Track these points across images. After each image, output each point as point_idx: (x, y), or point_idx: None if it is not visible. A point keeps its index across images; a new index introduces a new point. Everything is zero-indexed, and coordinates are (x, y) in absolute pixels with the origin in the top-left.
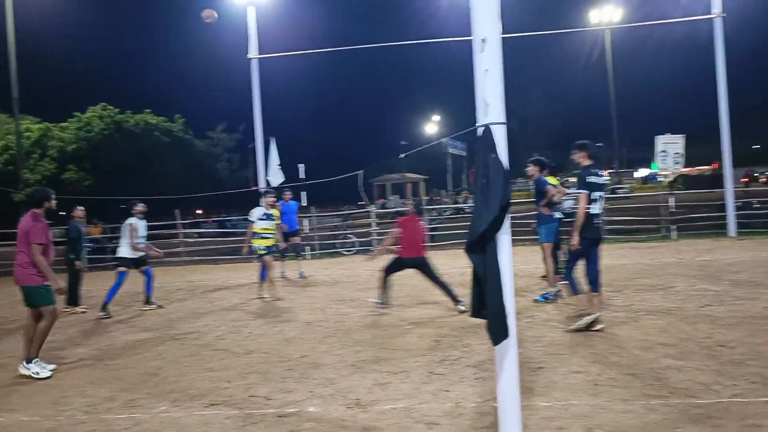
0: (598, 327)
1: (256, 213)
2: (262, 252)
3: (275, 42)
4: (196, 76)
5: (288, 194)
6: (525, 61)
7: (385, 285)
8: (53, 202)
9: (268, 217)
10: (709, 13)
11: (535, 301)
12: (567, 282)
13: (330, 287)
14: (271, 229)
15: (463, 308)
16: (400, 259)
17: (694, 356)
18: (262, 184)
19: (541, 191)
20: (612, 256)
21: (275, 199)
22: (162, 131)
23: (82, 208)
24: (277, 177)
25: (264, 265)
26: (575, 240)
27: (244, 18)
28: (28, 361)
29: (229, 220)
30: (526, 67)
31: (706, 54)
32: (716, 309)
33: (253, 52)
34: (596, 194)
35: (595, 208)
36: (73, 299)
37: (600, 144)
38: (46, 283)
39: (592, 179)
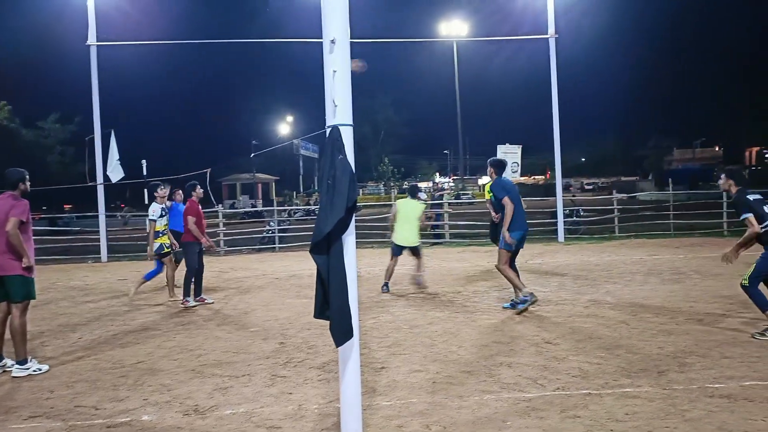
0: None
1: (155, 210)
2: (167, 250)
3: (119, 30)
4: (28, 59)
5: (178, 193)
6: (378, 68)
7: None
8: (28, 184)
9: (165, 212)
10: (545, 33)
11: (504, 307)
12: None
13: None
14: (165, 226)
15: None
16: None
17: (524, 353)
18: (100, 180)
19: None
20: (454, 259)
21: (167, 191)
22: None
23: None
24: (116, 173)
25: (158, 265)
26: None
27: (85, 1)
28: None
29: (61, 218)
30: (378, 74)
31: (542, 71)
32: (544, 309)
33: (92, 39)
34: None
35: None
36: None
37: (446, 151)
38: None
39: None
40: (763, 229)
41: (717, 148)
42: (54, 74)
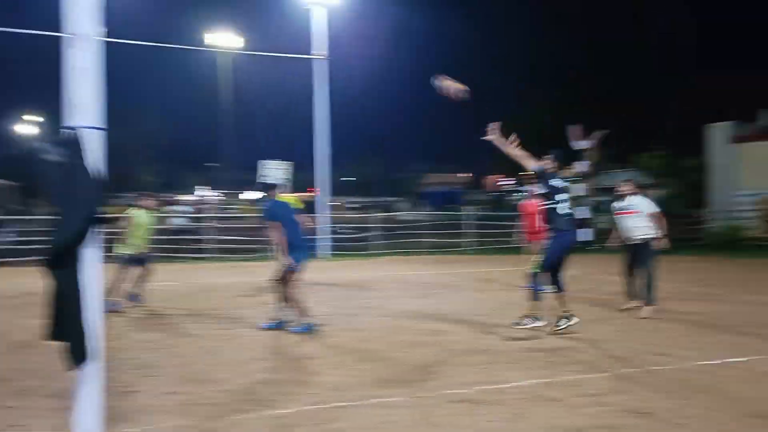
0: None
1: None
2: None
3: None
4: None
5: None
6: (142, 73)
7: None
8: None
9: None
10: (318, 52)
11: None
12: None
13: None
14: None
15: None
16: None
17: (283, 369)
18: None
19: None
20: (219, 275)
21: None
22: None
23: None
24: None
25: None
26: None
27: None
28: None
29: None
30: (142, 79)
31: (312, 90)
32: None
33: None
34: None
35: None
36: None
37: (213, 164)
38: None
39: None
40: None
41: (466, 174)
42: None
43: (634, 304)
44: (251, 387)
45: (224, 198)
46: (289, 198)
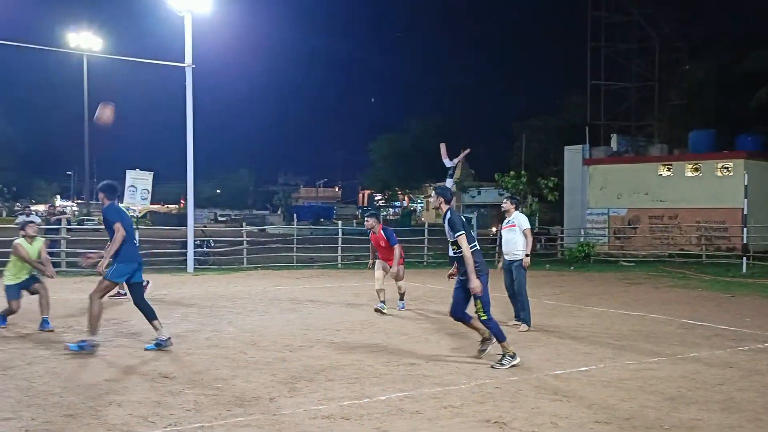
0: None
1: None
2: None
3: None
4: None
5: None
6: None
7: None
8: None
9: None
10: (182, 62)
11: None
12: None
13: None
14: None
15: None
16: None
17: (137, 390)
18: None
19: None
20: (70, 289)
21: None
22: None
23: None
24: None
25: None
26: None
27: None
28: None
29: None
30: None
31: (180, 98)
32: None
33: None
34: None
35: None
36: None
37: (69, 173)
38: None
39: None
40: (473, 250)
41: (337, 189)
42: None
43: (515, 322)
44: (102, 409)
45: (79, 209)
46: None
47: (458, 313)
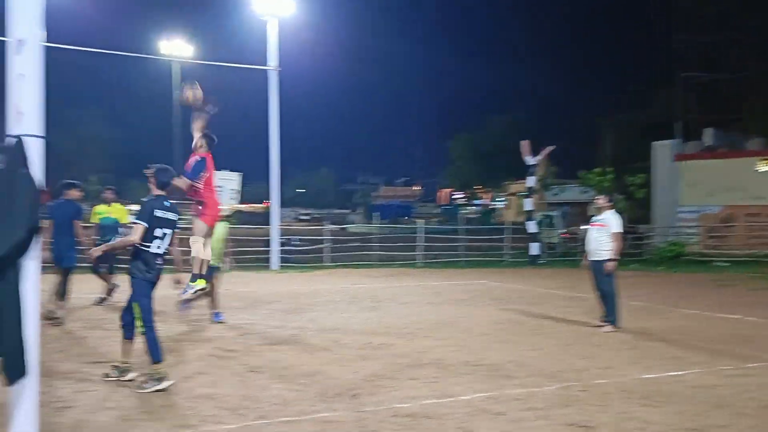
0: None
1: None
2: None
3: None
4: None
5: None
6: (87, 78)
7: None
8: None
9: None
10: (272, 64)
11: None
12: (149, 341)
13: None
14: None
15: None
16: None
17: (227, 383)
18: None
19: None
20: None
21: None
22: None
23: None
24: None
25: None
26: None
27: None
28: None
29: None
30: (87, 85)
31: (265, 101)
32: (252, 336)
33: None
34: (161, 231)
35: (157, 247)
36: None
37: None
38: None
39: (160, 213)
40: None
41: (416, 187)
42: None
43: (599, 322)
44: (194, 401)
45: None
46: (118, 210)
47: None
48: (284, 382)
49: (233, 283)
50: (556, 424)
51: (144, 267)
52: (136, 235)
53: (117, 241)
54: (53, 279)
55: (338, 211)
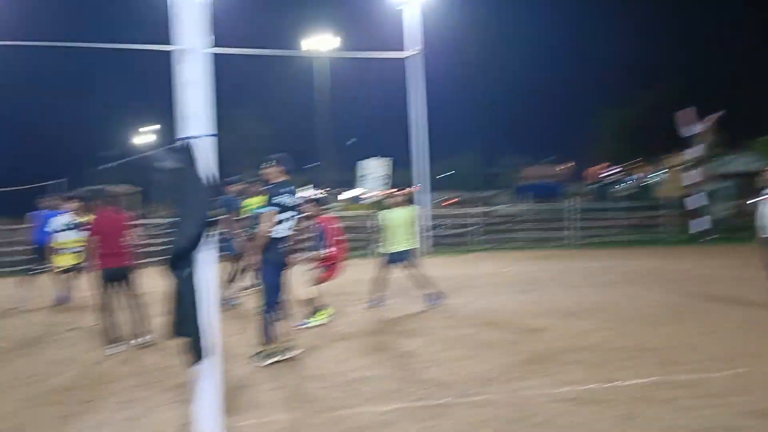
0: (294, 353)
1: (58, 222)
2: (61, 269)
3: None
4: None
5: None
6: (241, 79)
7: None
8: None
9: (75, 227)
10: (412, 50)
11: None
12: (266, 322)
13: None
14: (76, 242)
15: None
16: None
17: (386, 365)
18: None
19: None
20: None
21: (80, 205)
22: None
23: None
24: None
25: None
26: (255, 261)
27: None
28: None
29: None
30: (241, 85)
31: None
32: (405, 321)
33: None
34: (285, 215)
35: (282, 231)
36: None
37: (314, 164)
38: None
39: (282, 199)
40: None
41: (564, 166)
42: None
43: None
44: (355, 382)
45: (327, 197)
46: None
47: None
48: (440, 365)
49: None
50: (729, 413)
51: (271, 251)
52: (267, 223)
53: (256, 233)
54: (226, 267)
55: (485, 194)
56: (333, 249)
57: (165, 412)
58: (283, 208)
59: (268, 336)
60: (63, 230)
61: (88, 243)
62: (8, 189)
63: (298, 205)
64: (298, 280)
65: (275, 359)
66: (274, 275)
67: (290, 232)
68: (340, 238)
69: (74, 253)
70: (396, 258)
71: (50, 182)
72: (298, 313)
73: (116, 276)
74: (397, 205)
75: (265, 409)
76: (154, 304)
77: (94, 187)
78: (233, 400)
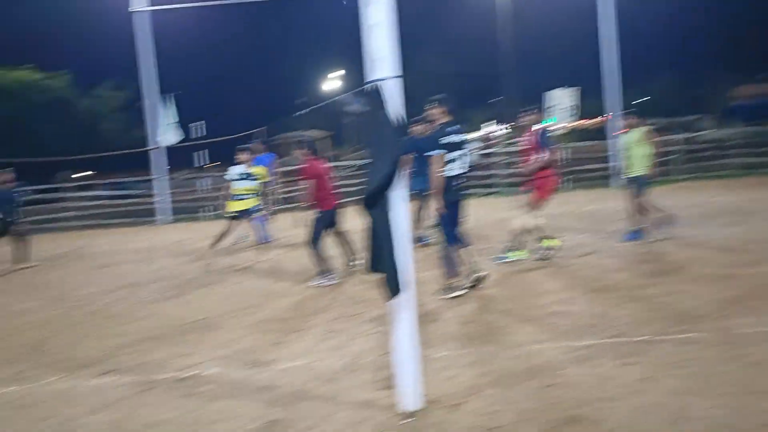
0: (479, 276)
1: (231, 171)
2: (232, 214)
3: None
4: (81, 28)
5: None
6: (422, 18)
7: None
8: None
9: (246, 176)
10: None
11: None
12: (444, 258)
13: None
14: (248, 190)
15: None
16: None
17: (580, 301)
18: (154, 144)
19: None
20: (505, 209)
21: (250, 156)
22: (42, 89)
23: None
24: (170, 136)
25: (257, 226)
26: (438, 204)
27: None
28: None
29: (122, 183)
30: (422, 24)
31: (594, 8)
32: (599, 256)
33: (135, 5)
34: (454, 154)
35: (454, 169)
36: None
37: (500, 98)
38: None
39: (448, 139)
40: None
41: None
42: (105, 40)
43: None
44: (548, 317)
45: (511, 132)
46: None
47: None
48: (640, 300)
49: (575, 203)
50: None
51: (446, 190)
52: (437, 164)
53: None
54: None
55: (686, 118)
56: (545, 159)
57: (365, 343)
58: (452, 148)
59: (450, 270)
60: (237, 179)
61: (308, 187)
62: (218, 139)
63: (467, 141)
64: (514, 211)
65: (458, 293)
66: (452, 212)
67: (462, 170)
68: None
69: (245, 200)
70: (634, 182)
71: (251, 132)
72: (499, 246)
73: (329, 217)
74: (631, 127)
75: (457, 342)
76: (353, 242)
77: (294, 135)
78: (426, 333)
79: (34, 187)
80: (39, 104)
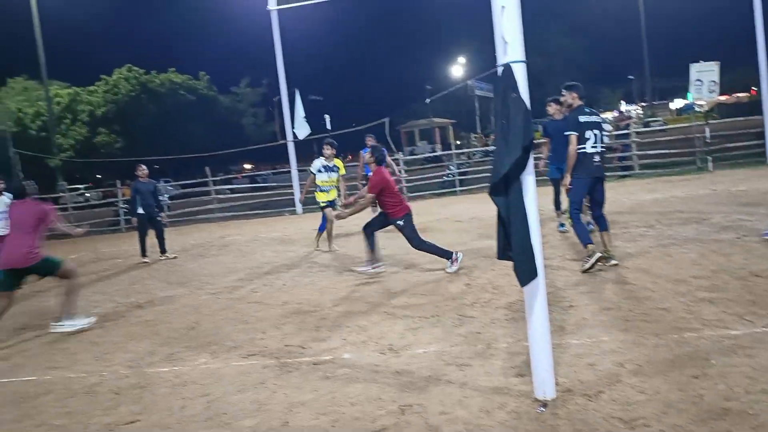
0: (611, 263)
1: (316, 164)
2: (322, 205)
3: None
4: (218, 30)
5: (369, 140)
6: None
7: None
8: None
9: (328, 169)
10: None
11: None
12: (576, 230)
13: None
14: (330, 182)
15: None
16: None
17: (728, 288)
18: (289, 138)
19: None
20: (643, 190)
21: (334, 150)
22: (186, 89)
23: (143, 167)
24: (303, 129)
25: (324, 218)
26: (566, 180)
27: None
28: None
29: (260, 175)
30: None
31: None
32: (751, 239)
33: (272, 4)
34: (589, 133)
35: (589, 147)
36: (143, 251)
37: (630, 77)
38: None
39: (584, 118)
40: None
41: None
42: (241, 41)
43: None
44: (693, 305)
45: (645, 111)
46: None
47: None
48: None
49: (721, 183)
50: None
51: (581, 167)
52: (573, 144)
53: (570, 154)
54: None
55: None
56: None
57: (498, 329)
58: (587, 127)
59: (583, 240)
60: (320, 172)
61: (380, 198)
62: (341, 131)
63: (602, 121)
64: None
65: (589, 264)
66: (581, 187)
67: (597, 149)
68: None
69: (328, 191)
70: None
71: (375, 123)
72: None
73: (411, 218)
74: None
75: (595, 329)
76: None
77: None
78: (564, 319)
79: (182, 182)
80: (185, 104)
